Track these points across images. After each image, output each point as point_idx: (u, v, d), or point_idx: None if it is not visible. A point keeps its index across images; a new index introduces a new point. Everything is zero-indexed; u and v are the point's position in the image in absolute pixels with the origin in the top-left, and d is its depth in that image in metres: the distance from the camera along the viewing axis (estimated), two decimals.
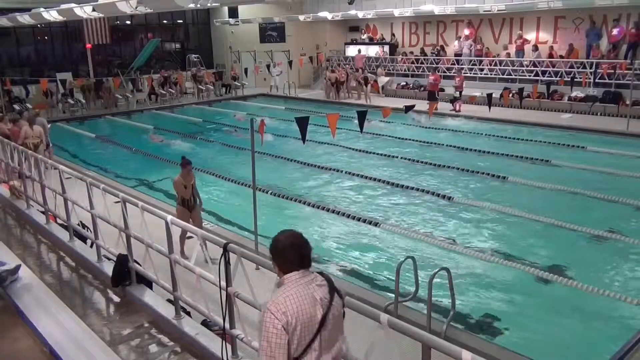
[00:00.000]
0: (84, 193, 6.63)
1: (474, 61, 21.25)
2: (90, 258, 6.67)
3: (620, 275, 7.14)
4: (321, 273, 2.83)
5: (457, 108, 18.46)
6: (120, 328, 5.23)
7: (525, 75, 19.61)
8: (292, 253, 2.71)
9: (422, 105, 16.20)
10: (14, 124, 11.56)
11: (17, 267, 6.04)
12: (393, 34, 25.30)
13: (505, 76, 20.08)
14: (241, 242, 7.33)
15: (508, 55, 20.56)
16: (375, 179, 11.51)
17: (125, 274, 5.86)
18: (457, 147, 14.04)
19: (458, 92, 18.63)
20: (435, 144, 14.60)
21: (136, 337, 5.05)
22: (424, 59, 22.83)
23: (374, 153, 13.82)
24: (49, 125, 12.94)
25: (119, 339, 5.01)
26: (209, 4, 16.33)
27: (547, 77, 18.85)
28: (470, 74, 21.14)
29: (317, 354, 2.65)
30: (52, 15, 17.75)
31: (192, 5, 14.95)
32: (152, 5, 14.88)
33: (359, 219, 9.20)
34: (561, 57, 19.13)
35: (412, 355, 3.15)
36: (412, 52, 24.12)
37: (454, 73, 20.83)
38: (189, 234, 7.01)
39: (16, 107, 19.80)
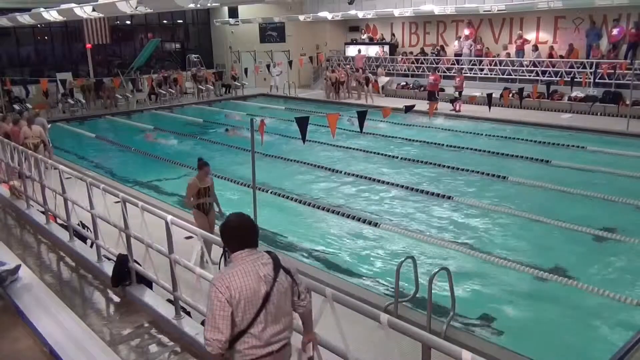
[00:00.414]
0: (84, 193, 6.63)
1: (474, 61, 21.25)
2: (90, 258, 6.67)
3: (620, 275, 7.14)
4: (268, 252, 3.08)
5: (457, 108, 18.46)
6: (120, 328, 5.23)
7: (525, 75, 19.61)
8: (239, 233, 3.00)
9: (422, 105, 16.20)
10: (14, 124, 11.58)
11: (17, 267, 6.04)
12: (393, 34, 25.31)
13: (505, 76, 20.08)
14: None
15: (508, 55, 20.56)
16: (375, 179, 11.50)
17: (125, 274, 5.86)
18: (457, 147, 14.04)
19: (458, 92, 18.63)
20: (435, 143, 14.60)
21: (136, 337, 5.05)
22: (424, 59, 22.83)
23: (373, 153, 13.82)
24: (49, 125, 12.96)
25: (119, 339, 5.01)
26: (209, 4, 16.34)
27: (547, 77, 18.85)
28: (470, 74, 21.14)
29: (262, 326, 2.90)
30: (52, 15, 17.76)
31: (192, 5, 14.96)
32: (152, 5, 14.89)
33: (359, 219, 9.20)
34: (561, 57, 19.13)
35: (412, 355, 3.15)
36: (411, 52, 24.11)
37: (453, 73, 20.83)
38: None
39: (16, 107, 19.81)
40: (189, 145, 15.85)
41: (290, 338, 3.10)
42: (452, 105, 18.67)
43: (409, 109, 9.73)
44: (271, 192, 10.68)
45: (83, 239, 7.34)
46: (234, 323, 2.85)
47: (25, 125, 11.22)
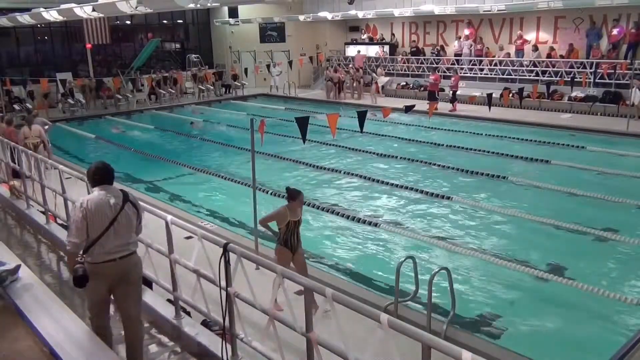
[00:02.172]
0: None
1: (474, 61, 21.24)
2: None
3: (620, 275, 7.14)
4: (122, 190, 4.39)
5: (454, 107, 18.48)
6: (120, 328, 5.23)
7: (525, 75, 19.61)
8: (96, 176, 4.35)
9: (422, 105, 16.19)
10: (8, 124, 11.54)
11: (17, 267, 6.03)
12: (393, 34, 25.30)
13: (505, 76, 20.08)
14: (241, 242, 7.33)
15: (508, 55, 20.55)
16: (375, 179, 11.50)
17: None
18: (457, 146, 14.04)
19: (452, 92, 18.62)
20: (435, 143, 14.60)
21: None
22: (424, 59, 22.84)
23: (373, 153, 13.82)
24: (46, 127, 12.95)
25: (119, 339, 5.01)
26: (209, 4, 16.36)
27: (547, 77, 18.85)
28: (470, 74, 21.15)
29: (108, 240, 4.13)
30: (52, 15, 17.76)
31: (192, 5, 14.97)
32: (152, 5, 14.89)
33: (359, 219, 9.20)
34: (562, 57, 19.13)
35: (412, 355, 3.15)
36: (414, 51, 24.05)
37: (451, 73, 20.84)
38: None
39: (16, 107, 19.81)
40: (189, 146, 15.86)
41: (134, 251, 4.36)
42: (456, 103, 18.67)
43: (409, 109, 9.74)
44: (271, 193, 10.68)
45: None
46: (87, 234, 4.07)
47: (25, 126, 11.23)
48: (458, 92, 18.93)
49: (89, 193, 4.65)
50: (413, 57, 23.34)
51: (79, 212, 4.07)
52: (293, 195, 6.05)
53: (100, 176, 4.35)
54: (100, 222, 4.09)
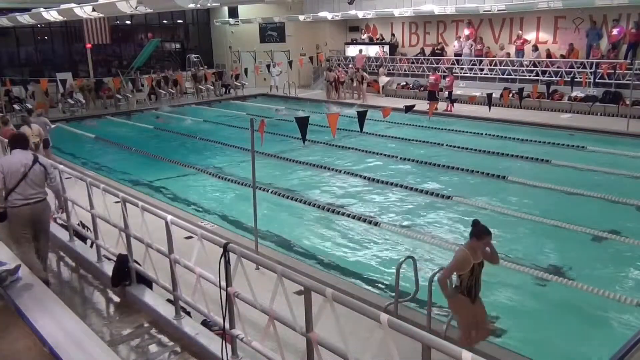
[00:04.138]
0: (84, 193, 6.63)
1: (474, 61, 21.24)
2: (90, 258, 6.66)
3: (620, 275, 7.13)
4: (34, 154, 6.03)
5: (449, 108, 18.49)
6: (120, 328, 5.23)
7: (525, 75, 19.60)
8: (12, 140, 6.02)
9: (422, 105, 16.21)
10: (4, 124, 11.52)
11: (17, 267, 6.03)
12: (393, 34, 25.30)
13: (505, 76, 20.08)
14: (241, 242, 7.33)
15: (508, 55, 20.55)
16: (374, 179, 11.50)
17: (125, 274, 5.86)
18: (457, 146, 14.04)
19: (448, 93, 18.62)
20: (434, 143, 14.60)
21: (136, 337, 5.05)
22: (424, 59, 22.83)
23: (373, 153, 13.82)
24: (53, 125, 12.99)
25: (119, 339, 5.01)
26: (209, 4, 16.35)
27: (547, 77, 18.85)
28: (470, 74, 21.15)
29: (22, 189, 5.68)
30: (52, 15, 17.77)
31: (192, 5, 14.97)
32: (152, 5, 14.90)
33: (358, 219, 9.20)
34: (562, 56, 19.12)
35: (412, 355, 3.15)
36: (420, 52, 24.02)
37: (449, 73, 20.82)
38: None
39: (16, 107, 19.80)
40: (189, 145, 15.85)
41: (44, 198, 5.93)
42: (452, 104, 18.67)
43: (409, 109, 9.75)
44: (271, 192, 10.68)
45: (83, 239, 7.33)
46: (5, 184, 5.62)
47: (24, 125, 11.23)
48: (457, 92, 18.92)
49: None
50: (413, 57, 23.33)
51: None
52: (481, 233, 4.89)
53: (15, 142, 5.99)
54: (15, 176, 5.65)
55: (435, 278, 5.06)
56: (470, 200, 9.92)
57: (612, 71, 17.41)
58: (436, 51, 22.64)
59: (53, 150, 12.62)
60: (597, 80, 17.73)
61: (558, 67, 18.88)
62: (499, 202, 9.75)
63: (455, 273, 4.92)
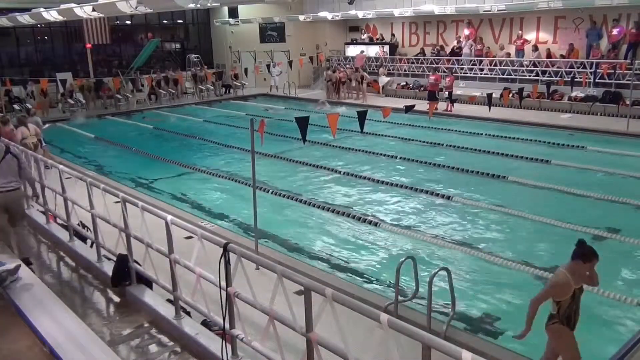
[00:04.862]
0: (84, 193, 6.63)
1: (474, 61, 21.24)
2: (90, 258, 6.67)
3: (620, 275, 7.13)
4: (6, 145, 6.49)
5: (449, 108, 18.50)
6: (120, 328, 5.23)
7: (525, 75, 19.61)
8: None
9: (422, 105, 16.20)
10: (4, 124, 11.53)
11: (17, 267, 6.03)
12: (393, 34, 25.30)
13: (505, 76, 20.08)
14: (241, 242, 7.33)
15: (508, 55, 20.55)
16: (375, 179, 11.50)
17: (125, 274, 5.86)
18: (457, 146, 14.04)
19: (447, 93, 18.62)
20: (434, 143, 14.60)
21: (136, 337, 5.05)
22: (424, 59, 22.84)
23: (373, 153, 13.82)
24: (45, 126, 12.99)
25: (119, 339, 5.01)
26: (209, 4, 16.36)
27: (547, 77, 18.85)
28: (470, 74, 21.15)
29: None
30: (52, 15, 17.78)
31: (192, 5, 14.98)
32: (152, 5, 14.91)
33: (359, 219, 9.20)
34: (562, 56, 19.12)
35: (412, 355, 3.15)
36: (420, 52, 24.01)
37: (449, 73, 20.83)
38: None
39: (16, 107, 19.81)
40: (189, 145, 15.85)
41: (18, 187, 6.51)
42: (452, 104, 18.67)
43: (409, 109, 9.76)
44: (272, 192, 10.69)
45: (83, 239, 7.34)
46: None
47: (23, 125, 11.23)
48: (457, 92, 18.91)
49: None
50: (413, 57, 23.32)
51: None
52: (588, 255, 4.31)
53: None
54: None
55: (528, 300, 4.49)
56: (470, 200, 9.92)
57: (612, 71, 17.41)
58: (455, 50, 22.43)
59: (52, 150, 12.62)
60: (597, 80, 17.73)
61: (558, 67, 18.89)
62: (499, 202, 9.75)
63: (552, 299, 4.31)
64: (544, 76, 18.97)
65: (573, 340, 4.32)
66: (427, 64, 22.37)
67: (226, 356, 4.29)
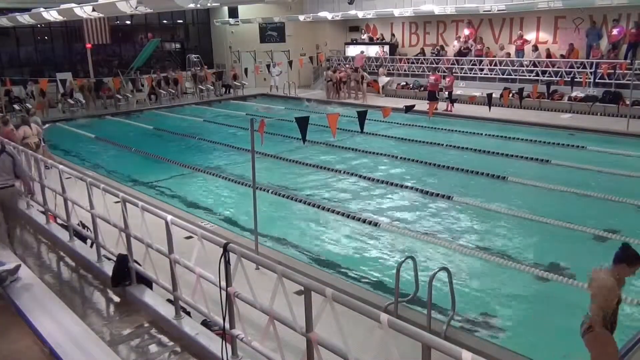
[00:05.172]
0: (84, 193, 6.63)
1: (474, 61, 21.24)
2: (90, 258, 6.67)
3: None
4: (2, 144, 6.76)
5: (449, 108, 18.49)
6: (120, 328, 5.23)
7: (525, 75, 19.60)
8: None
9: (422, 105, 16.20)
10: (5, 124, 11.54)
11: (17, 267, 6.04)
12: (393, 34, 25.30)
13: (505, 76, 20.07)
14: (241, 242, 7.33)
15: (508, 55, 20.55)
16: (375, 179, 11.50)
17: (125, 274, 5.86)
18: (457, 146, 14.04)
19: (447, 93, 18.61)
20: (435, 143, 14.59)
21: (136, 337, 5.05)
22: (424, 59, 22.83)
23: (373, 153, 13.82)
24: (45, 126, 12.98)
25: (119, 339, 5.01)
26: (209, 4, 16.36)
27: (547, 77, 18.85)
28: (470, 74, 21.14)
29: None
30: (52, 15, 17.78)
31: (192, 5, 14.98)
32: (152, 5, 14.91)
33: (359, 219, 9.20)
34: (562, 56, 19.12)
35: (412, 355, 3.15)
36: (420, 52, 24.00)
37: (449, 73, 20.81)
38: None
39: (16, 107, 19.81)
40: (189, 146, 15.85)
41: (12, 184, 6.88)
42: (452, 104, 18.67)
43: (409, 109, 9.75)
44: (271, 192, 10.68)
45: (83, 239, 7.34)
46: None
47: (24, 125, 11.24)
48: (457, 92, 18.89)
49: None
50: (413, 57, 23.32)
51: None
52: (633, 259, 4.18)
53: None
54: None
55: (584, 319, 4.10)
56: (470, 200, 9.92)
57: (612, 71, 17.40)
58: (463, 51, 22.38)
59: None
60: (597, 80, 17.72)
61: (558, 67, 18.88)
62: (499, 202, 9.75)
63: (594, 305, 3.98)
64: (544, 76, 18.96)
65: (617, 350, 4.09)
66: (427, 64, 22.37)
67: (226, 356, 4.29)
